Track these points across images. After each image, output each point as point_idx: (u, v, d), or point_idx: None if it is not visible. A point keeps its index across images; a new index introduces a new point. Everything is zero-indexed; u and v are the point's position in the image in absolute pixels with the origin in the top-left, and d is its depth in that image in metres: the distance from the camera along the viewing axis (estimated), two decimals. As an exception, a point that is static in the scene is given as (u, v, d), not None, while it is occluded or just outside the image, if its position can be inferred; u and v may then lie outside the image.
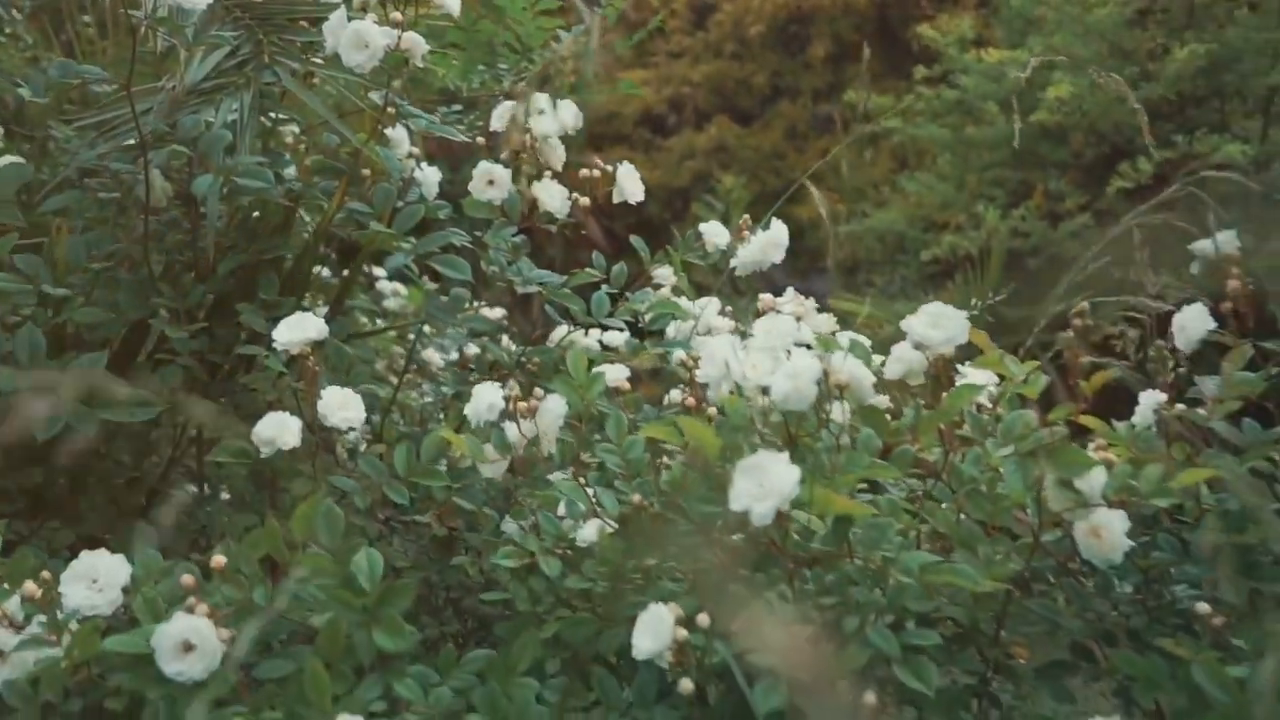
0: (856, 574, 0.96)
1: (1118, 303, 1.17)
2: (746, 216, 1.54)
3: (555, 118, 1.30)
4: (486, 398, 1.06)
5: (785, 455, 0.79)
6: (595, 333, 1.70)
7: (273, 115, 1.37)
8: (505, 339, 1.80)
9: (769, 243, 1.47)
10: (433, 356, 1.83)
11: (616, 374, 1.39)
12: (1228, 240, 1.04)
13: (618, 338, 1.61)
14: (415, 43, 1.21)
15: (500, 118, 1.30)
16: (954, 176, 5.05)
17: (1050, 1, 4.38)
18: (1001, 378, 1.04)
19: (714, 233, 1.52)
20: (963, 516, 1.02)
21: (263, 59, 1.27)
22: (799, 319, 0.98)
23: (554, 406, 1.19)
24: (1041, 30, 4.53)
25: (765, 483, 0.79)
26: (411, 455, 1.20)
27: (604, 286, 1.41)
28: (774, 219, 1.51)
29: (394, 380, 1.67)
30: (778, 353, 0.91)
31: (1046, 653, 1.08)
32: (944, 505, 1.05)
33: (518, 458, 1.28)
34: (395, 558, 1.37)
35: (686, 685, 0.87)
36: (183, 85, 1.24)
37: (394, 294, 2.20)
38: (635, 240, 1.62)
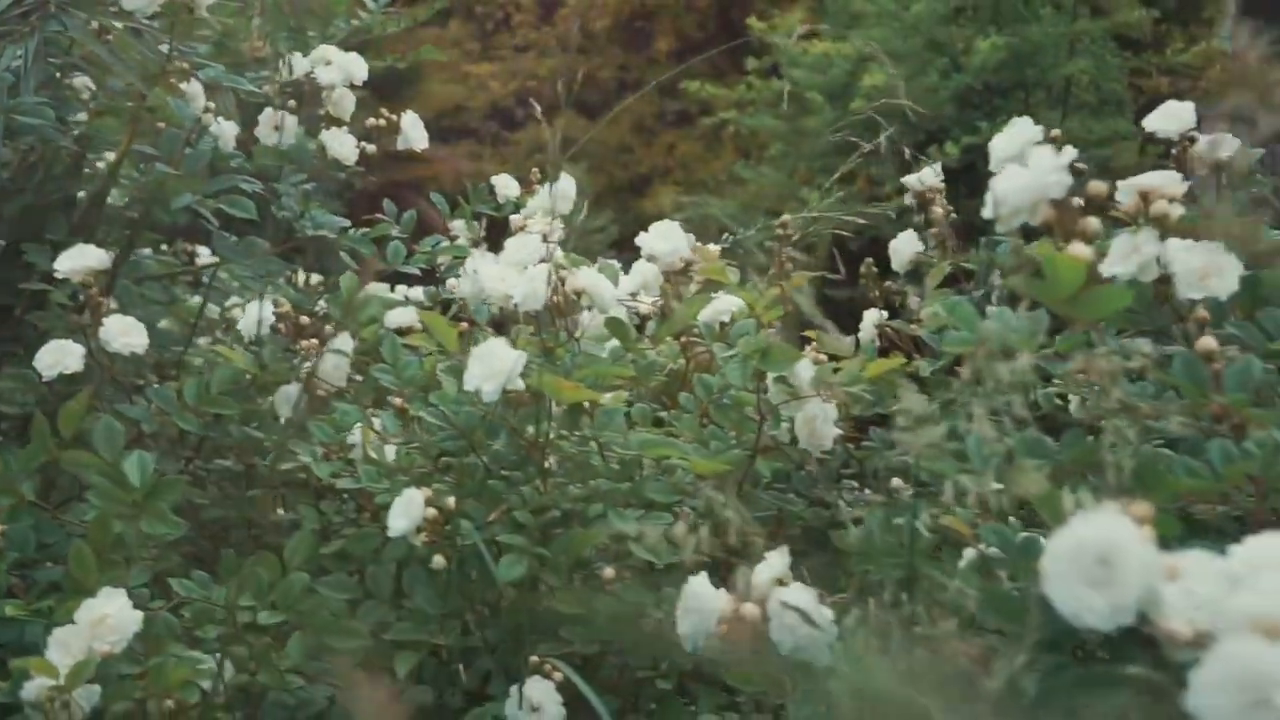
0: (605, 470, 1.09)
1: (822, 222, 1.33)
2: (535, 170, 1.66)
3: (341, 69, 1.38)
4: (255, 313, 1.14)
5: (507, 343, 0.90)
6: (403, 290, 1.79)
7: (61, 66, 1.41)
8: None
9: (558, 194, 1.58)
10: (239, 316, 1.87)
11: (405, 316, 1.49)
12: (931, 174, 1.20)
13: (419, 293, 1.71)
14: (196, -8, 1.28)
15: (287, 68, 1.37)
16: (786, 165, 5.28)
17: (871, -3, 4.64)
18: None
19: (504, 185, 1.63)
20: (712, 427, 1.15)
21: (49, 7, 1.32)
22: (545, 238, 1.09)
23: (340, 342, 1.28)
24: (864, 24, 4.79)
25: (492, 365, 0.89)
26: (202, 386, 1.27)
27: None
28: (563, 174, 1.62)
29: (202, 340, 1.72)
30: (523, 265, 1.02)
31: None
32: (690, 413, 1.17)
33: (315, 394, 1.36)
34: (193, 495, 1.43)
35: (439, 561, 0.97)
36: (-35, 32, 1.28)
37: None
38: (434, 196, 1.71)
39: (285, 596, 0.97)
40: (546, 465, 1.06)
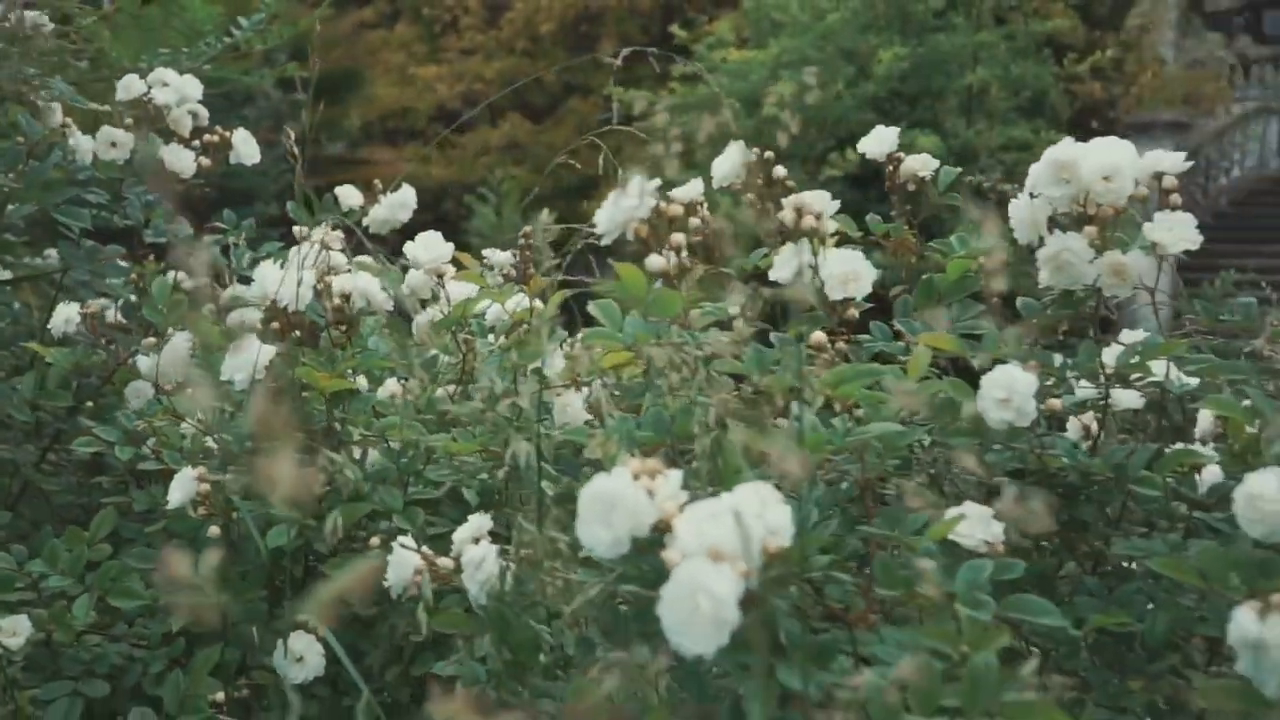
0: (388, 454, 1.24)
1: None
2: (378, 181, 1.80)
3: (176, 90, 1.52)
4: (64, 313, 1.28)
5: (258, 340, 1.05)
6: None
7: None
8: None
9: (397, 204, 1.73)
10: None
11: (249, 316, 1.63)
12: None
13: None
14: (35, 20, 1.42)
15: (125, 88, 1.51)
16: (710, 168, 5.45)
17: (788, 9, 4.81)
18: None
19: (347, 195, 1.77)
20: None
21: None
22: (326, 247, 1.23)
23: (179, 341, 1.42)
24: (783, 34, 4.96)
25: (244, 358, 1.04)
26: (38, 380, 1.41)
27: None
28: (404, 183, 1.77)
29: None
30: (303, 272, 1.17)
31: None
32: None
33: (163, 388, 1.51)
34: (43, 482, 1.57)
35: (214, 530, 1.12)
36: None
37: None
38: (290, 205, 1.86)
39: (74, 564, 1.11)
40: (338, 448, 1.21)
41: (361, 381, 1.38)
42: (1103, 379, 1.07)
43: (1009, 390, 0.87)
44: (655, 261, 0.78)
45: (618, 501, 0.68)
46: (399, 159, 8.90)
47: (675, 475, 0.72)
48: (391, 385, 1.52)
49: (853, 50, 4.61)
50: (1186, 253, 1.09)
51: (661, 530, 0.70)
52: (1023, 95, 5.19)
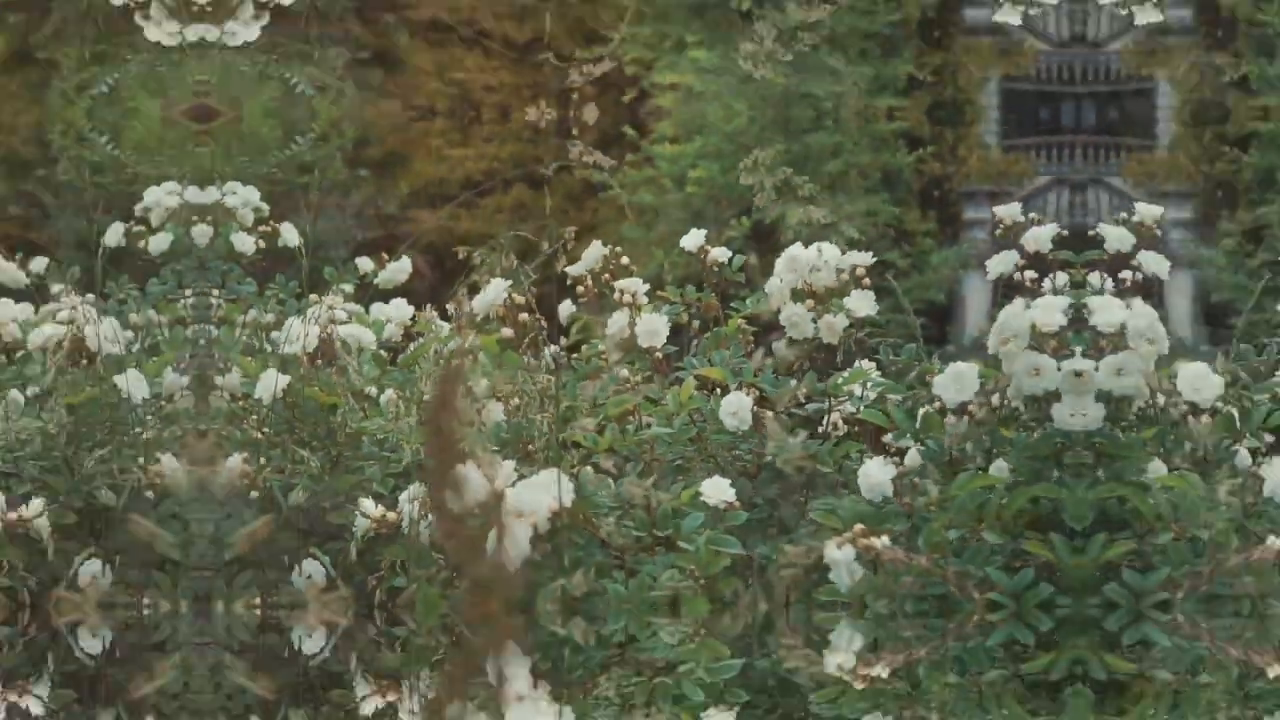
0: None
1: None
2: (384, 254, 1.95)
3: (241, 197, 1.67)
4: None
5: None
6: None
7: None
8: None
9: (397, 269, 1.87)
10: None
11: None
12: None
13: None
14: None
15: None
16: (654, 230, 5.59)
17: (704, 117, 4.93)
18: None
19: (363, 263, 1.92)
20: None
21: None
22: (331, 308, 1.39)
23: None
24: (703, 132, 5.09)
25: (265, 382, 1.20)
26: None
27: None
28: (408, 252, 1.91)
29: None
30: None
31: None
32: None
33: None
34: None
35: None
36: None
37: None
38: (327, 271, 2.00)
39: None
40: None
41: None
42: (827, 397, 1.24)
43: (737, 407, 1.04)
44: (506, 330, 0.95)
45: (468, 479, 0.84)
46: (436, 217, 8.97)
47: (508, 464, 0.89)
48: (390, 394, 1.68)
49: (750, 146, 4.76)
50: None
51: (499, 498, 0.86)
52: (874, 177, 5.33)
